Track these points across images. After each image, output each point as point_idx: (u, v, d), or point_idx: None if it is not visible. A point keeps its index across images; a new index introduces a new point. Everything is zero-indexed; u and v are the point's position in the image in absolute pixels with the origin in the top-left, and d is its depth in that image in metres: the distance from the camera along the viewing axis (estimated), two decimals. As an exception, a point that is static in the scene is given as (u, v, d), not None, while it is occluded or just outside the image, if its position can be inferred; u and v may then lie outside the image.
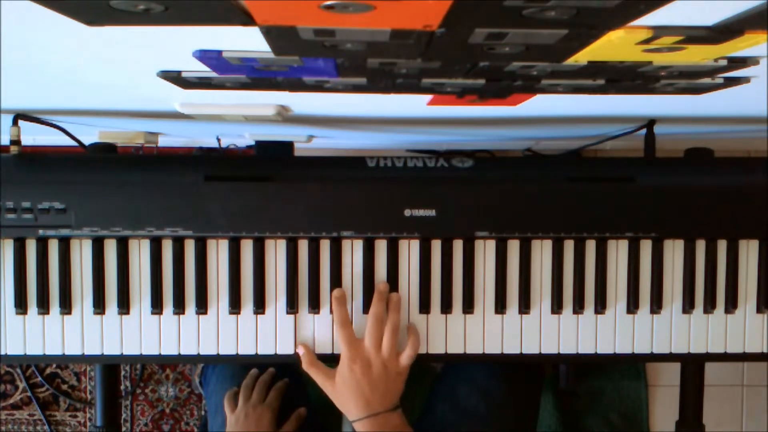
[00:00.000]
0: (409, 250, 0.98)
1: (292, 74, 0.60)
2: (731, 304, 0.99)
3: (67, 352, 0.97)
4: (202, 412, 1.62)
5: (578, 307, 0.98)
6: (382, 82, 0.63)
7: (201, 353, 0.97)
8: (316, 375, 0.94)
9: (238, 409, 1.12)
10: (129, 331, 0.97)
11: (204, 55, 0.53)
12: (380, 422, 0.92)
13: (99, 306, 0.96)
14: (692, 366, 1.11)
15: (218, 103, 0.81)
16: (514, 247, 0.98)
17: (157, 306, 0.96)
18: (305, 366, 0.95)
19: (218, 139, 1.26)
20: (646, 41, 0.46)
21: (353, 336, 0.94)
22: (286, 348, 0.97)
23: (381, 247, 0.97)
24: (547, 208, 0.96)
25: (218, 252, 0.97)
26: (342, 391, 0.93)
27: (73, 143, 1.03)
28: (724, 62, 0.54)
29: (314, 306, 0.97)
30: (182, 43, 0.52)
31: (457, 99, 0.73)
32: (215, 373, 1.22)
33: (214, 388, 1.20)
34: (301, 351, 0.96)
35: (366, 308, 0.97)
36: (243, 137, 1.17)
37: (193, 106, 0.82)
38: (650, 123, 0.98)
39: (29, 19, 0.44)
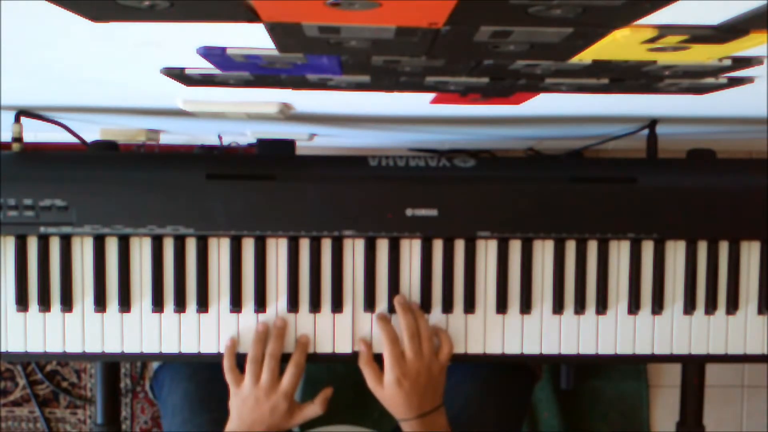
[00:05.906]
0: (411, 250, 0.98)
1: (296, 72, 0.60)
2: (732, 306, 0.99)
3: (67, 350, 0.97)
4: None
5: (579, 307, 0.98)
6: (386, 80, 0.63)
7: (202, 351, 0.97)
8: (369, 375, 0.95)
9: (246, 389, 0.94)
10: (130, 328, 0.97)
11: (208, 52, 0.53)
12: (427, 423, 0.95)
13: (100, 304, 0.96)
14: (693, 367, 1.11)
15: (221, 100, 0.81)
16: (515, 247, 0.98)
17: (158, 304, 0.96)
18: (361, 363, 0.96)
19: (220, 137, 1.25)
20: (651, 40, 0.46)
21: (400, 354, 0.94)
22: (286, 346, 0.97)
23: (382, 246, 0.97)
24: (549, 209, 0.96)
25: (219, 250, 0.97)
26: (391, 396, 0.95)
27: (75, 140, 1.03)
28: (728, 62, 0.54)
29: (315, 305, 0.97)
30: (186, 40, 0.52)
31: (460, 98, 0.73)
32: (169, 373, 1.16)
33: (169, 387, 1.15)
34: (361, 348, 0.97)
35: (367, 308, 0.97)
36: (245, 135, 1.17)
37: (196, 103, 0.82)
38: (652, 123, 0.98)
39: (32, 14, 0.44)
